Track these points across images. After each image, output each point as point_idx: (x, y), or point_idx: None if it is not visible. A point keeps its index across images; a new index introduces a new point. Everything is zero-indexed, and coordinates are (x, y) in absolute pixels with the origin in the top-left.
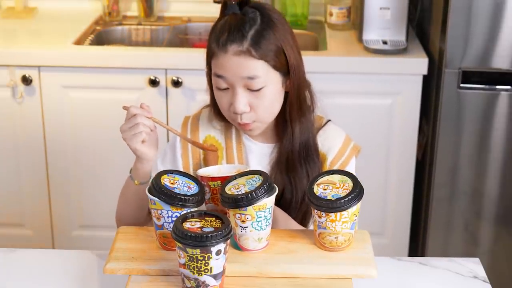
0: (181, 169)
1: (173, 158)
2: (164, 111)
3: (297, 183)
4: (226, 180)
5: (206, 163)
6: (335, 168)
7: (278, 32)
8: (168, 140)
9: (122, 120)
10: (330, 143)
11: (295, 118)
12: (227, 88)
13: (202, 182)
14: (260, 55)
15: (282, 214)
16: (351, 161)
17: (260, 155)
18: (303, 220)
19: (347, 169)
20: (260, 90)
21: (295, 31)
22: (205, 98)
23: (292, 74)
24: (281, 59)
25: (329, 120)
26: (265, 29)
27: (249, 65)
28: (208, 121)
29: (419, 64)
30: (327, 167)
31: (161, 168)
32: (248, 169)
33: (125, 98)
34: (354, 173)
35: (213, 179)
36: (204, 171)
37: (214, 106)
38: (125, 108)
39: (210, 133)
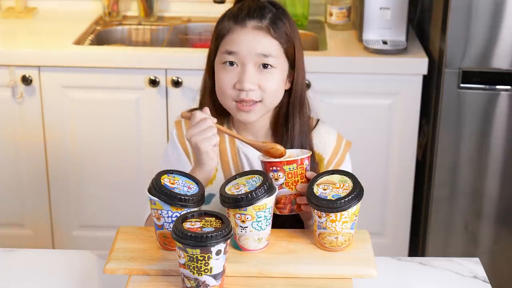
0: (190, 162)
1: (177, 159)
2: (164, 112)
3: None
4: (301, 165)
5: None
6: (332, 166)
7: (291, 24)
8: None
9: (122, 120)
10: (324, 143)
11: (296, 115)
12: (235, 66)
13: (274, 168)
14: (277, 36)
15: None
16: (346, 157)
17: (254, 158)
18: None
19: (344, 165)
20: (270, 70)
21: None
22: None
23: (297, 68)
24: (291, 49)
25: (318, 120)
26: (281, 15)
27: (266, 41)
28: None
29: (419, 64)
30: (324, 167)
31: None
32: (309, 154)
33: (125, 98)
34: (350, 168)
35: (289, 162)
36: (265, 157)
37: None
38: (186, 116)
39: None
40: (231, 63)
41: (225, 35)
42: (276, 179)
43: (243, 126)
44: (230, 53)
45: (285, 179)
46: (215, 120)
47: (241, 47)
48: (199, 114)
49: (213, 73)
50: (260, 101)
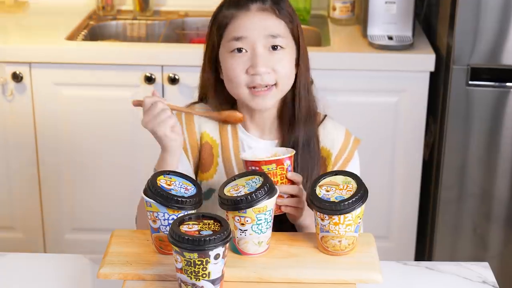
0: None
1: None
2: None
3: (300, 172)
4: (281, 165)
5: (201, 161)
6: (340, 162)
7: (291, 6)
8: None
9: (117, 118)
10: (332, 139)
11: (302, 100)
12: (244, 52)
13: (253, 167)
14: (282, 16)
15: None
16: (354, 154)
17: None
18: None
19: (352, 162)
20: (281, 51)
21: None
22: None
23: (301, 47)
24: (295, 28)
25: (326, 115)
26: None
27: (273, 22)
28: (202, 117)
29: (426, 60)
30: (331, 162)
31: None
32: (294, 152)
33: (119, 96)
34: (358, 165)
35: (267, 162)
36: (248, 155)
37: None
38: (136, 103)
39: (205, 129)
40: (239, 50)
41: (228, 24)
42: None
43: (249, 116)
44: (238, 39)
45: None
46: (165, 100)
47: (249, 31)
48: (148, 100)
49: (215, 67)
50: (274, 84)
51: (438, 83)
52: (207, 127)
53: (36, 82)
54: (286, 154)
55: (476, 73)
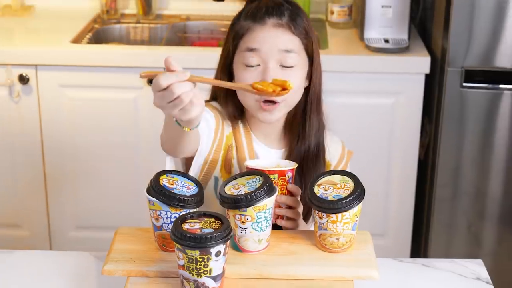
0: (212, 129)
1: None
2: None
3: (307, 182)
4: (283, 176)
5: (226, 161)
6: None
7: (308, 20)
8: None
9: (120, 120)
10: (332, 149)
11: (313, 112)
12: (257, 66)
13: None
14: (297, 32)
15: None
16: (348, 166)
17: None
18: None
19: None
20: (292, 68)
21: None
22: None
23: (315, 63)
24: (310, 44)
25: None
26: (298, 12)
27: (288, 38)
28: (225, 115)
29: (421, 63)
30: None
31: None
32: (296, 165)
33: (123, 98)
34: None
35: (270, 172)
36: (253, 163)
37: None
38: (144, 75)
39: (230, 129)
40: (255, 63)
41: (244, 35)
42: None
43: (257, 125)
44: (251, 50)
45: None
46: (185, 75)
47: (263, 44)
48: (161, 81)
49: (228, 74)
50: (284, 100)
51: (433, 85)
52: (229, 128)
53: (42, 84)
54: (289, 166)
55: (470, 75)
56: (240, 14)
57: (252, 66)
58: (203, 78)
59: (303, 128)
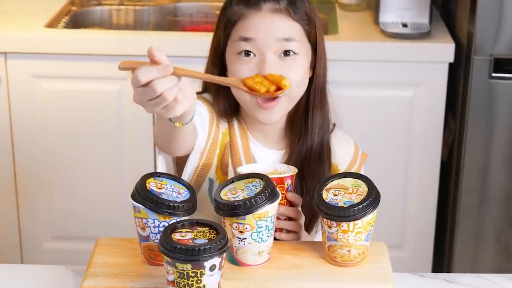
0: (206, 128)
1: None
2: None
3: (309, 186)
4: (281, 184)
5: (222, 161)
6: None
7: (309, 3)
8: None
9: (101, 116)
10: (341, 151)
11: (317, 106)
12: (252, 57)
13: None
14: (298, 18)
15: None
16: (361, 171)
17: (265, 160)
18: (307, 227)
19: None
20: (293, 58)
21: None
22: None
23: (319, 51)
24: (313, 29)
25: (334, 124)
26: None
27: (287, 25)
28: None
29: (444, 50)
30: None
31: None
32: (296, 171)
33: (104, 90)
34: None
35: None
36: (245, 169)
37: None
38: (123, 67)
39: (226, 126)
40: (247, 53)
41: (236, 22)
42: None
43: (254, 123)
44: (245, 39)
45: None
46: (169, 68)
47: (259, 33)
48: (140, 76)
49: (220, 66)
50: (283, 95)
51: (458, 76)
52: (225, 125)
53: (12, 74)
54: (288, 172)
55: (500, 64)
56: None
57: (247, 57)
58: (189, 72)
59: (305, 125)
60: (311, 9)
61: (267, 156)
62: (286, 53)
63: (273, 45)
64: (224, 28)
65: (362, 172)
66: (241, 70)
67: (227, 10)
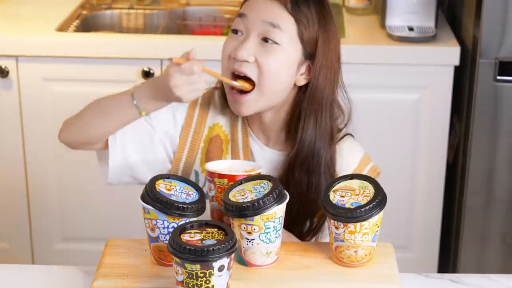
0: (175, 146)
1: (173, 130)
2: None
3: (291, 193)
4: (233, 182)
5: (209, 156)
6: None
7: (323, 14)
8: None
9: None
10: (345, 161)
11: (309, 116)
12: (241, 34)
13: (208, 178)
14: (293, 13)
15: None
16: None
17: (265, 159)
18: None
19: None
20: (274, 46)
21: None
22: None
23: (318, 60)
24: (312, 34)
25: (348, 134)
26: (313, 2)
27: (277, 14)
28: (219, 106)
29: (450, 53)
30: None
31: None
32: (260, 169)
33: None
34: None
35: (221, 176)
36: (213, 165)
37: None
38: (176, 61)
39: (219, 121)
40: (237, 32)
41: (243, 3)
42: (209, 190)
43: (254, 120)
44: (240, 15)
45: (215, 193)
46: (203, 63)
47: (250, 11)
48: (195, 67)
49: None
50: (252, 89)
51: (463, 79)
52: (221, 120)
53: (23, 77)
54: (243, 171)
55: (505, 67)
56: None
57: (235, 35)
58: (214, 73)
59: (295, 132)
60: (319, 19)
61: (267, 155)
62: (266, 39)
63: (259, 26)
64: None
65: None
66: (225, 46)
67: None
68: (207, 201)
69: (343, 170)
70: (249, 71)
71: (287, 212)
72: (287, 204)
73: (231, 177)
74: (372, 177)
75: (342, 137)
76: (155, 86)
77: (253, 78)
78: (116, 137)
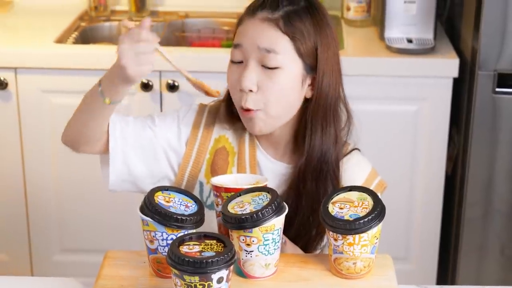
0: (180, 159)
1: (177, 141)
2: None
3: (304, 204)
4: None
5: (214, 169)
6: None
7: (317, 21)
8: None
9: None
10: (352, 175)
11: (316, 127)
12: (241, 62)
13: (215, 192)
14: (287, 31)
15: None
16: None
17: (269, 171)
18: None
19: None
20: (274, 70)
21: None
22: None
23: (320, 70)
24: (309, 46)
25: (356, 149)
26: (304, 12)
27: (272, 35)
28: (226, 119)
29: (448, 65)
30: None
31: (160, 129)
32: (267, 182)
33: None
34: None
35: (227, 190)
36: (219, 179)
37: (227, 104)
38: (126, 24)
39: (225, 133)
40: (237, 61)
41: (237, 27)
42: (217, 204)
43: (266, 136)
44: (235, 46)
45: None
46: (155, 39)
47: (245, 40)
48: (143, 34)
49: None
50: (260, 109)
51: (462, 90)
52: (228, 133)
53: (22, 89)
54: (251, 184)
55: (504, 79)
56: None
57: (236, 65)
58: (167, 57)
59: (303, 142)
60: (315, 28)
61: (274, 167)
62: (265, 66)
63: (256, 53)
64: (234, 38)
65: None
66: (230, 78)
67: (239, 17)
68: (215, 216)
69: (354, 183)
70: (255, 103)
71: (298, 222)
72: (299, 214)
73: (238, 191)
74: (379, 192)
75: (350, 152)
76: (112, 66)
77: (260, 107)
78: (117, 142)
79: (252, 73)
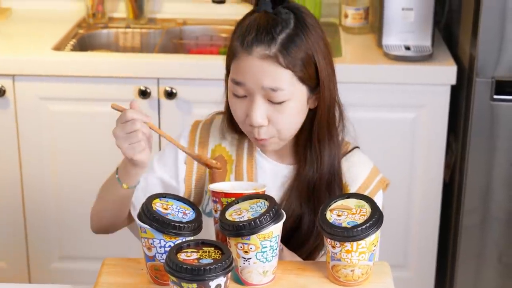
0: (182, 178)
1: (174, 163)
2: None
3: (317, 206)
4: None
5: (213, 177)
6: None
7: (311, 40)
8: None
9: (108, 137)
10: (354, 173)
11: (323, 140)
12: (245, 96)
13: (214, 198)
14: (288, 64)
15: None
16: (376, 195)
17: (272, 174)
18: (311, 253)
19: None
20: (282, 104)
21: None
22: (203, 112)
23: (322, 89)
24: (310, 70)
25: (357, 147)
26: (297, 34)
27: (274, 74)
28: (220, 130)
29: (446, 72)
30: None
31: (158, 169)
32: (264, 188)
33: (111, 112)
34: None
35: (227, 195)
36: (216, 186)
37: (228, 115)
38: (115, 107)
39: (221, 143)
40: (241, 94)
41: (233, 58)
42: (216, 211)
43: None
44: (237, 83)
45: None
46: (148, 118)
47: (247, 79)
48: (129, 114)
49: None
50: (273, 136)
51: (460, 98)
52: (224, 141)
53: (20, 96)
54: (250, 190)
55: (502, 87)
56: (236, 27)
57: (239, 99)
58: (160, 131)
59: (310, 153)
60: (311, 46)
61: (276, 169)
62: (272, 101)
63: (260, 91)
64: (227, 57)
65: (379, 197)
66: (236, 111)
67: (233, 37)
68: (212, 223)
69: (353, 182)
70: (267, 133)
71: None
72: (309, 220)
73: (237, 196)
74: (381, 188)
75: (351, 150)
76: None
77: (273, 135)
78: (135, 209)
79: (261, 109)
